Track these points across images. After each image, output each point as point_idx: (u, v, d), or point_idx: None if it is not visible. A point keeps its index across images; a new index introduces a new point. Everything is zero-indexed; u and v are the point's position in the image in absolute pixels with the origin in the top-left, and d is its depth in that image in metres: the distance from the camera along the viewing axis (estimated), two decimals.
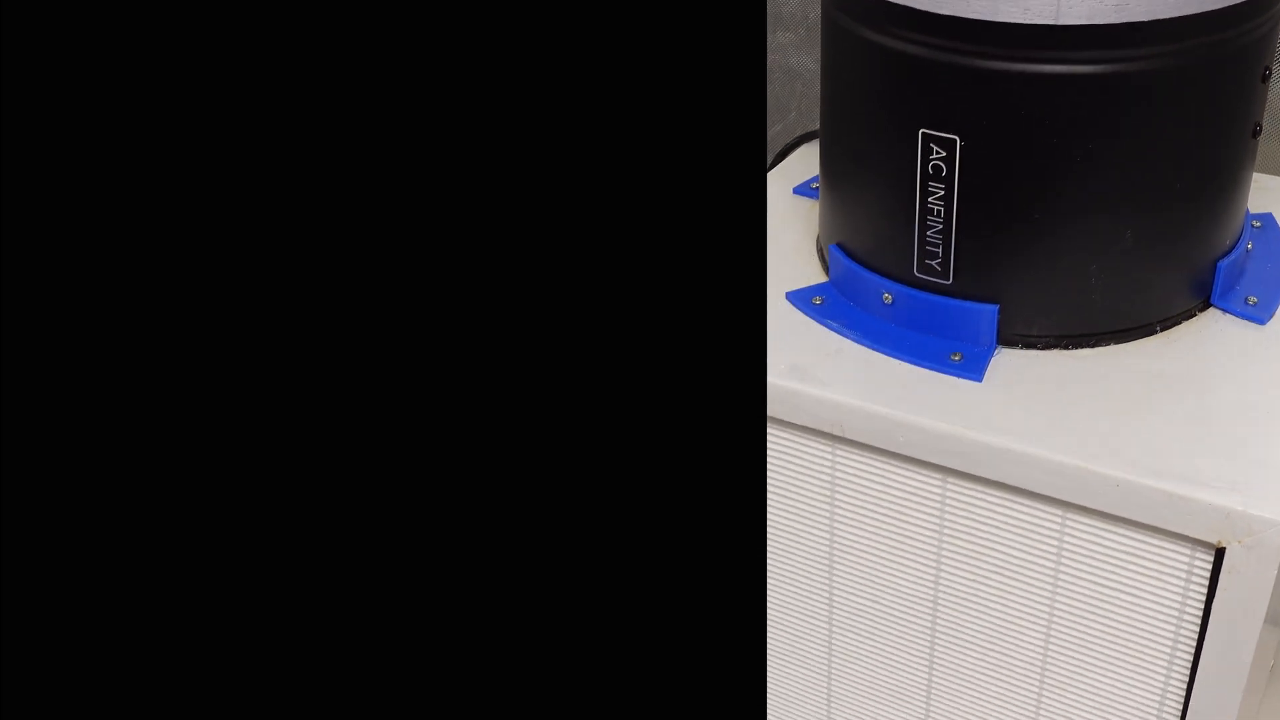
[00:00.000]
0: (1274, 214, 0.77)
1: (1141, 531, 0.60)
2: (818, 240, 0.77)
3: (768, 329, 0.70)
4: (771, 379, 0.66)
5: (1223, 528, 0.57)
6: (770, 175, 0.86)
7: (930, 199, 0.64)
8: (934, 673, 0.71)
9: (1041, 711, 0.68)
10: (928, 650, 0.70)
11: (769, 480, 0.70)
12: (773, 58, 1.02)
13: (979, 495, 0.63)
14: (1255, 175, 0.74)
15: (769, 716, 0.81)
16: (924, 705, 0.73)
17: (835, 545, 0.70)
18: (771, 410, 0.67)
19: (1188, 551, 0.59)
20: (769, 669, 0.79)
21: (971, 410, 0.63)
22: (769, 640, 0.77)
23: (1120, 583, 0.62)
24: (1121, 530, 0.60)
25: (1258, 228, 0.75)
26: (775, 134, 1.01)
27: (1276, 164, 0.87)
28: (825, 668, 0.76)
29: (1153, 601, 0.61)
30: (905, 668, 0.72)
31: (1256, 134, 0.66)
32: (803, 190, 0.84)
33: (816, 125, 0.88)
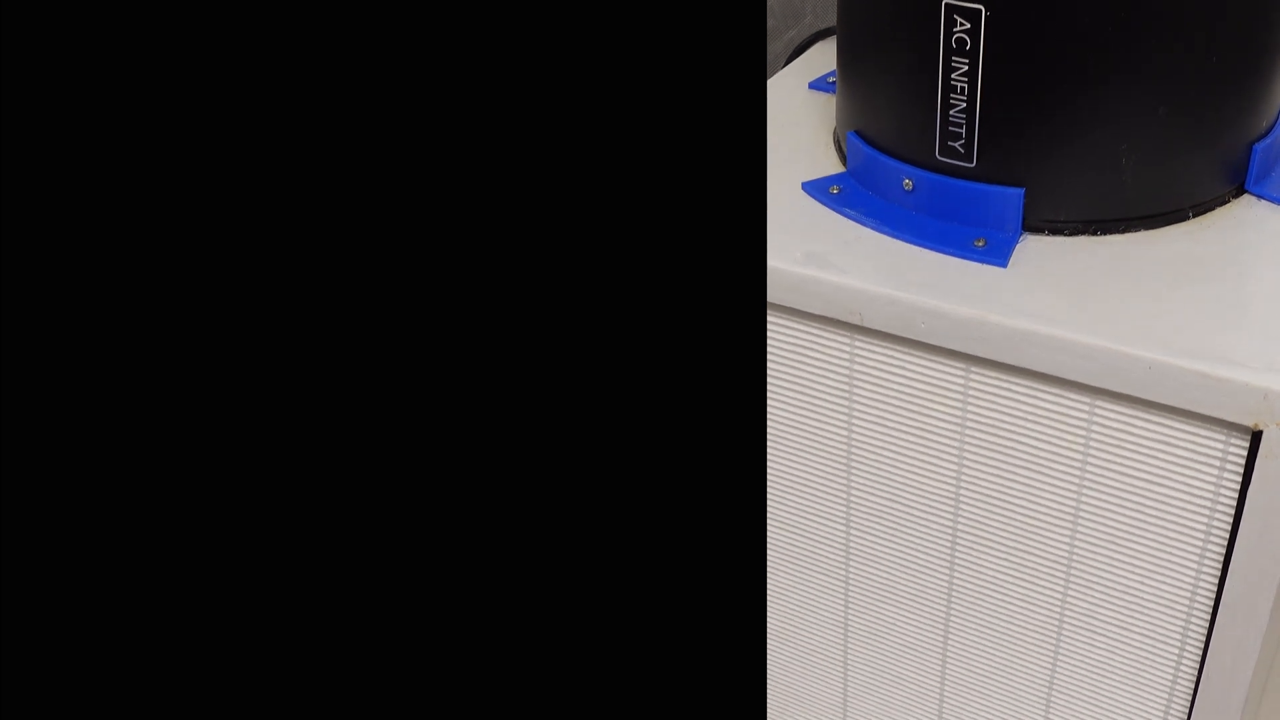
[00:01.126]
0: None
1: (1173, 416, 0.57)
2: (834, 132, 0.74)
3: (785, 220, 0.67)
4: (788, 266, 0.64)
5: (1260, 409, 0.54)
6: (785, 71, 0.84)
7: (953, 76, 0.62)
8: (955, 572, 0.69)
9: (1067, 610, 0.66)
10: (949, 549, 0.68)
11: (784, 376, 0.68)
12: None
13: (1003, 384, 0.61)
14: None
15: (787, 622, 0.79)
16: (945, 606, 0.71)
17: (853, 441, 0.68)
18: (788, 300, 0.64)
19: (1222, 436, 0.56)
20: (786, 574, 0.77)
21: (996, 295, 0.60)
22: (786, 543, 0.75)
23: (1151, 472, 0.59)
24: (1152, 416, 0.58)
25: None
26: (791, 38, 0.98)
27: None
28: (843, 571, 0.74)
29: (1185, 491, 0.59)
30: (925, 567, 0.70)
31: None
32: (818, 85, 0.81)
33: (831, 24, 0.85)
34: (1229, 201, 0.66)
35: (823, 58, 0.85)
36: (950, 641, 0.72)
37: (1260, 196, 0.66)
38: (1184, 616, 0.63)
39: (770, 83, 0.82)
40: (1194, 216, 0.65)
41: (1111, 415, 0.59)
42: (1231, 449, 0.57)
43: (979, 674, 0.72)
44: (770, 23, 1.02)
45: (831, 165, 0.72)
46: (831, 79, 0.81)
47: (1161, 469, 0.59)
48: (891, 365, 0.64)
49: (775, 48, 1.00)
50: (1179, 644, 0.64)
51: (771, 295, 0.65)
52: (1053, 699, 0.71)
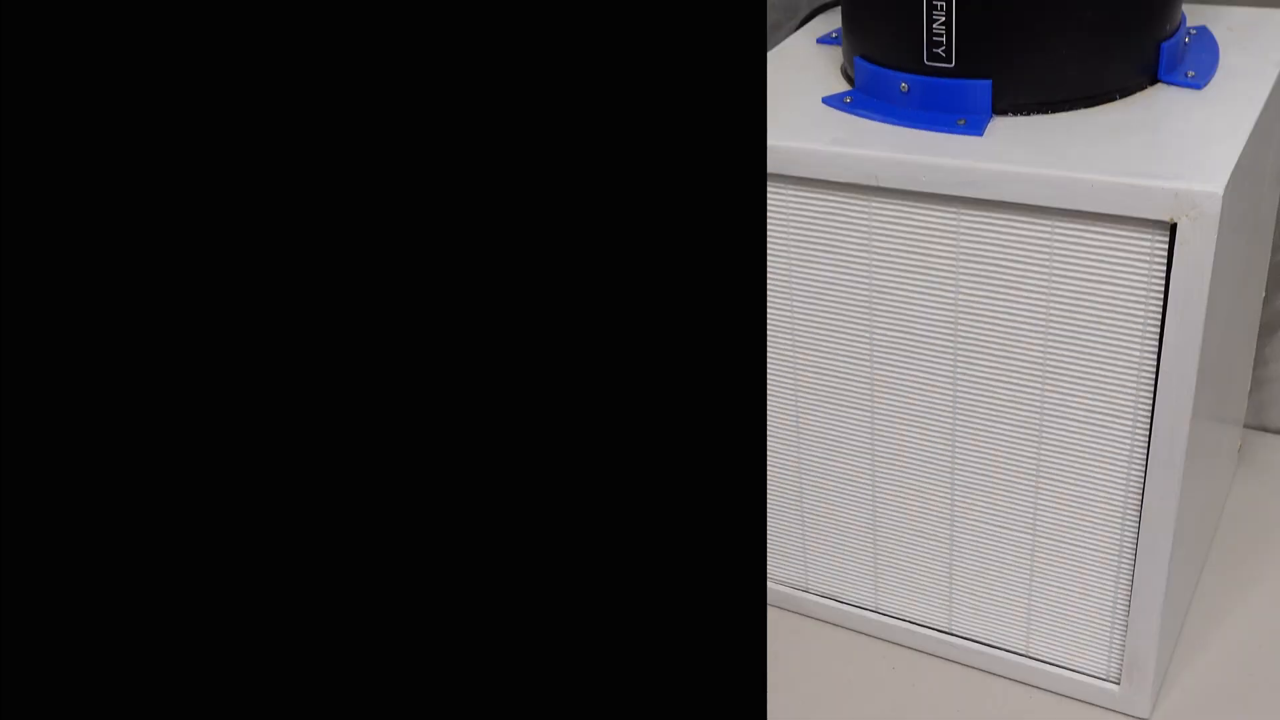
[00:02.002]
0: (1206, 26, 0.96)
1: (1113, 224, 0.78)
2: (841, 67, 0.96)
3: (812, 122, 0.88)
4: (820, 147, 0.85)
5: (1173, 206, 0.75)
6: (797, 34, 1.05)
7: (934, 2, 0.83)
8: (957, 386, 0.89)
9: (1046, 402, 0.86)
10: (951, 365, 0.88)
11: (816, 239, 0.88)
12: None
13: (985, 219, 0.82)
14: (1196, 5, 0.94)
15: (823, 455, 0.98)
16: (951, 416, 0.91)
17: (874, 286, 0.88)
18: (821, 173, 0.85)
19: (1149, 234, 0.77)
20: (821, 413, 0.96)
21: (977, 151, 0.81)
22: (819, 385, 0.95)
23: (1099, 274, 0.80)
24: (1097, 226, 0.78)
25: (1194, 34, 0.94)
26: (799, 5, 1.21)
27: None
28: (869, 401, 0.94)
29: (1126, 284, 0.79)
30: (933, 386, 0.90)
31: None
32: (825, 40, 1.03)
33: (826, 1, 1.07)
34: (1145, 88, 0.87)
35: (825, 24, 1.07)
36: (957, 447, 0.92)
37: (1169, 83, 0.87)
38: (1134, 389, 0.83)
39: (785, 44, 1.04)
40: (1120, 99, 0.86)
41: (1068, 231, 0.80)
42: (1156, 244, 0.77)
43: (981, 473, 0.92)
44: (774, 17, 1.24)
45: (843, 86, 0.94)
46: (835, 34, 1.02)
47: (1108, 268, 0.79)
48: (900, 217, 0.85)
49: (778, 35, 1.22)
50: (1132, 414, 0.84)
51: (806, 171, 0.86)
52: (1040, 487, 0.90)
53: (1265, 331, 1.18)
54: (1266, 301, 1.15)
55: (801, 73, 0.97)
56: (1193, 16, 0.97)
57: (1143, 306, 0.79)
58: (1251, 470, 1.20)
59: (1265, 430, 1.23)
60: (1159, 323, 0.79)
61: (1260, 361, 1.20)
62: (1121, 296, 0.80)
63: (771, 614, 1.09)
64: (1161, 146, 0.79)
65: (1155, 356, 0.80)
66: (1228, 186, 0.74)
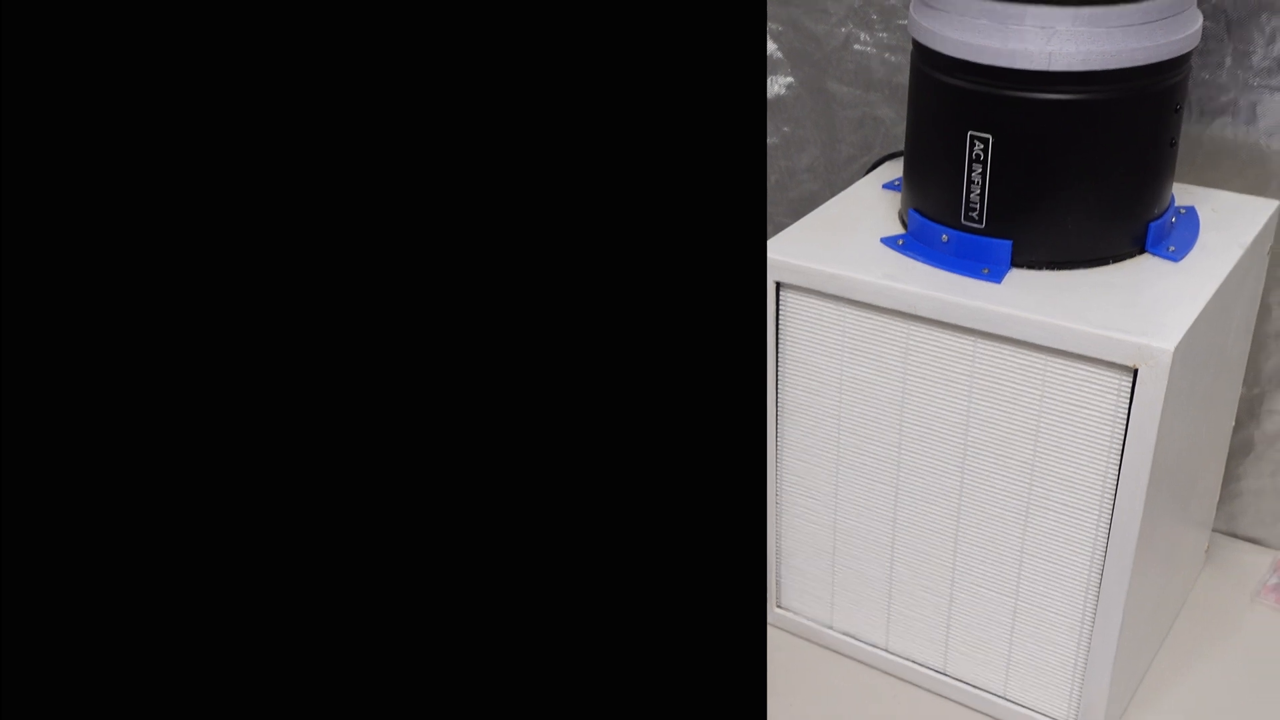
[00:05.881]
0: (1194, 207, 1.20)
1: (1091, 364, 1.02)
2: (899, 212, 1.21)
3: (870, 258, 1.13)
4: (873, 280, 1.10)
5: (1136, 355, 0.99)
6: (865, 180, 1.31)
7: (973, 174, 1.08)
8: (964, 474, 1.13)
9: (1032, 495, 1.10)
10: (960, 460, 1.12)
11: (861, 358, 1.13)
12: (864, 110, 1.47)
13: (996, 350, 1.06)
14: (1191, 186, 1.18)
15: (855, 516, 1.22)
16: (957, 498, 1.15)
17: (905, 393, 1.13)
18: (871, 299, 1.10)
19: (1117, 375, 1.01)
20: (856, 487, 1.21)
21: (995, 296, 1.06)
22: (853, 476, 1.19)
23: (1078, 401, 1.03)
24: (1079, 365, 1.02)
25: (1183, 213, 1.18)
26: (867, 161, 1.46)
27: (1205, 178, 1.30)
28: (894, 481, 1.18)
29: (1099, 412, 1.03)
30: (945, 473, 1.14)
31: (1173, 145, 1.10)
32: (889, 186, 1.28)
33: (895, 150, 1.32)
34: (1134, 256, 1.11)
35: (890, 172, 1.32)
36: (961, 523, 1.16)
37: (1154, 254, 1.12)
38: (1100, 492, 1.06)
39: (858, 185, 1.29)
40: (1113, 263, 1.11)
41: (1057, 365, 1.04)
42: (1123, 381, 1.01)
43: (977, 544, 1.16)
44: (849, 152, 1.50)
45: (898, 230, 1.19)
46: (896, 183, 1.28)
47: (1085, 398, 1.03)
48: (930, 341, 1.09)
49: (854, 169, 1.48)
50: (1096, 511, 1.07)
51: (861, 297, 1.11)
52: (1023, 561, 1.14)
53: (1239, 453, 1.41)
54: (1239, 428, 1.38)
55: (867, 214, 1.22)
56: (1185, 196, 1.21)
57: (1110, 429, 1.03)
58: (1219, 568, 1.42)
59: (1234, 536, 1.46)
60: (1121, 444, 1.03)
61: (1234, 478, 1.42)
62: (1095, 421, 1.04)
63: (796, 643, 1.33)
64: (1136, 306, 1.04)
65: (1117, 469, 1.04)
66: (1180, 343, 0.98)
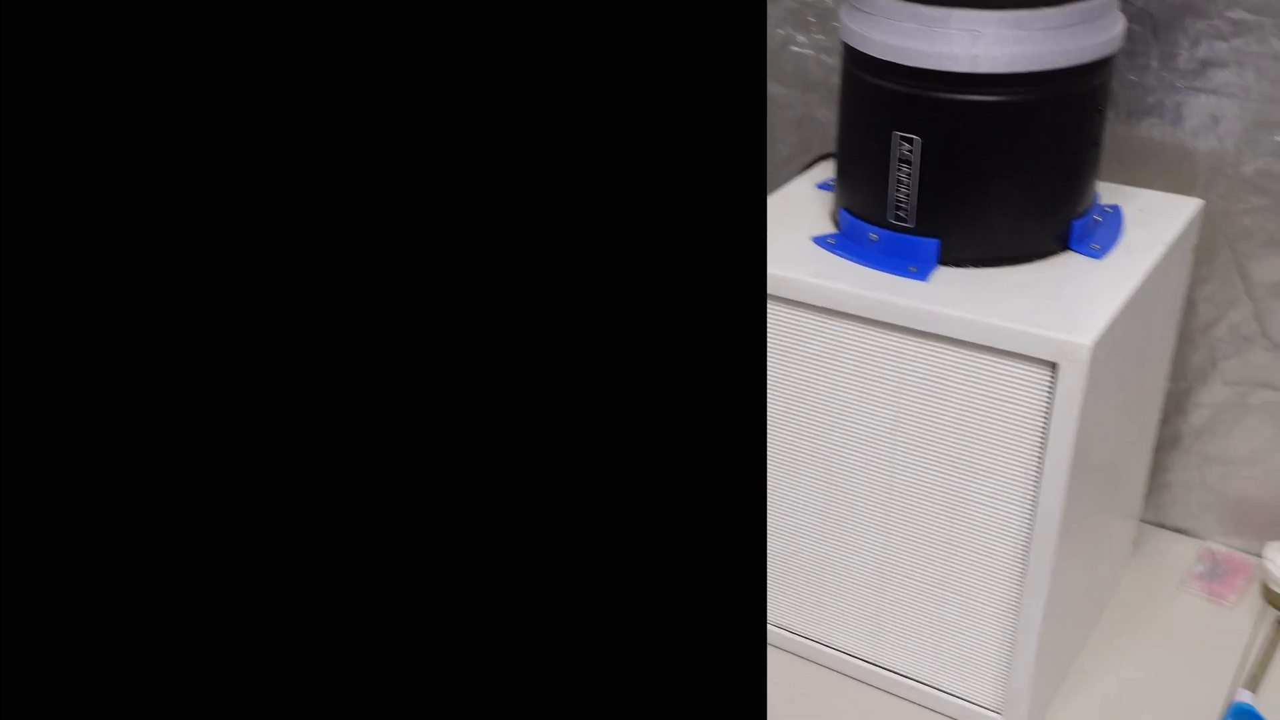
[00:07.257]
0: (1120, 205, 1.23)
1: (1014, 360, 1.04)
2: (831, 210, 1.23)
3: (801, 256, 1.15)
4: (803, 278, 1.12)
5: (1056, 351, 1.02)
6: (800, 179, 1.33)
7: (901, 174, 1.10)
8: (894, 466, 1.15)
9: (963, 486, 1.12)
10: (890, 451, 1.15)
11: (787, 352, 1.15)
12: (802, 111, 1.49)
13: (923, 346, 1.08)
14: (1117, 185, 1.21)
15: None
16: (886, 491, 1.17)
17: (836, 390, 1.15)
18: (802, 297, 1.12)
19: (1039, 370, 1.04)
20: (790, 486, 1.23)
21: (921, 294, 1.08)
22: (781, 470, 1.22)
23: (1003, 395, 1.06)
24: (1004, 360, 1.05)
25: (1108, 212, 1.21)
26: (804, 160, 1.48)
27: (1131, 178, 1.33)
28: (826, 477, 1.20)
29: (1022, 405, 1.05)
30: (874, 466, 1.16)
31: (1096, 145, 1.13)
32: (823, 186, 1.30)
33: (830, 151, 1.34)
34: (1058, 254, 1.14)
35: (824, 172, 1.34)
36: (891, 517, 1.18)
37: (1077, 251, 1.14)
38: (1023, 483, 1.09)
39: (792, 185, 1.31)
40: (1037, 261, 1.13)
41: (982, 360, 1.06)
42: (1045, 376, 1.04)
43: (909, 537, 1.18)
44: (787, 152, 1.52)
45: (829, 229, 1.21)
46: (829, 182, 1.30)
47: (1010, 392, 1.06)
48: (860, 338, 1.11)
49: (792, 169, 1.50)
50: (1019, 502, 1.10)
51: (793, 295, 1.13)
52: (952, 550, 1.17)
53: (1167, 446, 1.44)
54: (1166, 421, 1.41)
55: (801, 213, 1.25)
56: (1111, 195, 1.24)
57: (1033, 423, 1.06)
58: (1148, 558, 1.46)
59: (1163, 527, 1.49)
60: (1043, 436, 1.06)
61: (1162, 469, 1.46)
62: (1019, 415, 1.06)
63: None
64: (1057, 302, 1.06)
65: (1040, 461, 1.07)
66: (1099, 339, 1.01)
